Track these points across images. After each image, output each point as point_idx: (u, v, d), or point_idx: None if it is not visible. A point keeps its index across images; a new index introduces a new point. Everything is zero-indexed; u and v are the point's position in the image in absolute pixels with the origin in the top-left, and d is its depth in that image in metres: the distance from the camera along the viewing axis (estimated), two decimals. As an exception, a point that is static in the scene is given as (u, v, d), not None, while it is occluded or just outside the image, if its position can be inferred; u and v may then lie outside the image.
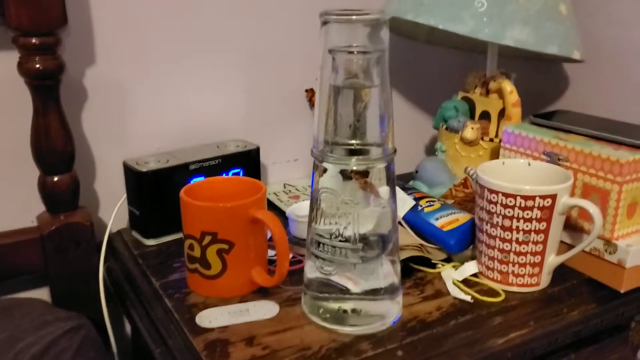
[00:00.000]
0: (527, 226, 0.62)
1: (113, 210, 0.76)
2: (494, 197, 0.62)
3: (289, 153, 0.96)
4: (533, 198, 0.60)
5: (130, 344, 0.85)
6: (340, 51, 0.53)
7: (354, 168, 0.54)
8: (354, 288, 0.57)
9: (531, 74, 1.04)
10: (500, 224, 0.63)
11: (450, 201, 0.80)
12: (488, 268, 0.65)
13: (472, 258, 0.69)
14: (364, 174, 0.55)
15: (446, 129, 0.90)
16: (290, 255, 0.65)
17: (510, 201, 0.61)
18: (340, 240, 0.55)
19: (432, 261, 0.69)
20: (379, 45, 0.53)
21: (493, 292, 0.64)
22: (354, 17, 0.51)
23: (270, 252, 0.67)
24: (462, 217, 0.70)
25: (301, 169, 0.97)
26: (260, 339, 0.56)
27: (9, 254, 0.72)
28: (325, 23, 0.52)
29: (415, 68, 1.04)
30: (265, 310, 0.60)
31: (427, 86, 1.05)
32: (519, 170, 0.68)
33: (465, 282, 0.66)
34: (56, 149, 0.71)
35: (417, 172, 0.89)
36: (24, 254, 0.73)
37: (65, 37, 0.71)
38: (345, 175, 0.55)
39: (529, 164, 0.69)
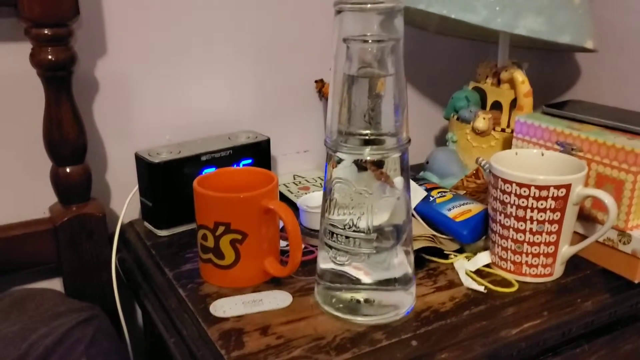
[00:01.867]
0: (541, 216, 0.61)
1: (125, 202, 0.77)
2: (507, 187, 0.62)
3: (298, 144, 0.95)
4: (547, 188, 0.60)
5: (142, 333, 0.85)
6: (354, 40, 0.52)
7: (368, 158, 0.54)
8: (365, 279, 0.57)
9: (543, 64, 1.04)
10: (513, 214, 0.62)
11: (461, 192, 0.79)
12: (501, 258, 0.65)
13: (485, 248, 0.69)
14: (379, 164, 0.54)
15: (457, 119, 0.90)
16: (302, 246, 0.65)
17: (524, 191, 0.61)
18: (354, 231, 0.55)
19: (445, 252, 0.69)
20: (393, 34, 0.52)
21: (506, 283, 0.64)
22: (369, 5, 0.51)
23: (282, 243, 0.67)
24: (474, 208, 0.70)
25: (311, 161, 0.97)
26: (274, 328, 0.56)
27: (22, 245, 0.73)
28: (339, 12, 0.52)
29: (426, 58, 1.03)
30: (278, 300, 0.60)
31: (438, 76, 1.05)
32: (532, 161, 0.68)
33: (478, 272, 0.66)
34: (68, 140, 0.71)
35: (427, 162, 0.89)
36: (36, 245, 0.73)
37: (76, 29, 0.71)
38: (360, 165, 0.55)
39: (542, 154, 0.68)
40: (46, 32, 0.66)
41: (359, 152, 0.54)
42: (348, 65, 0.53)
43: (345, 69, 0.53)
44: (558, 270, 0.65)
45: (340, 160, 0.55)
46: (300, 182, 0.91)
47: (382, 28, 0.52)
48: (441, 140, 1.07)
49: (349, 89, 0.53)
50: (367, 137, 0.54)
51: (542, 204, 0.61)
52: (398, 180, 0.55)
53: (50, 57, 0.67)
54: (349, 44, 0.52)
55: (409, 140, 0.55)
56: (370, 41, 0.52)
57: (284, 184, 0.89)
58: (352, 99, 0.53)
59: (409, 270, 0.58)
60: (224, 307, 0.59)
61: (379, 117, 0.54)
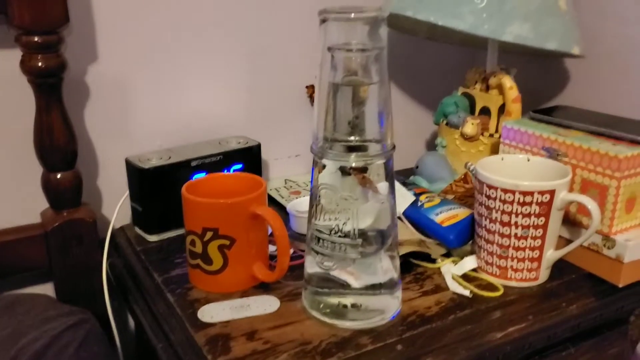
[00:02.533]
0: (525, 221, 0.62)
1: (116, 207, 0.77)
2: (492, 193, 0.63)
3: (290, 149, 0.96)
4: (531, 193, 0.61)
5: (133, 338, 0.86)
6: (339, 49, 0.53)
7: (353, 165, 0.55)
8: (354, 283, 0.58)
9: (531, 70, 1.04)
10: (499, 219, 0.63)
11: (450, 196, 0.80)
12: (487, 263, 0.66)
13: (472, 253, 0.69)
14: (362, 169, 0.55)
15: (446, 124, 0.90)
16: (291, 251, 0.66)
17: (509, 197, 0.61)
18: (339, 236, 0.56)
19: (432, 256, 0.69)
20: (377, 42, 0.53)
21: (492, 287, 0.65)
22: (353, 15, 0.51)
23: (271, 248, 0.68)
24: (461, 213, 0.71)
25: (302, 165, 0.98)
26: (261, 333, 0.57)
27: (13, 250, 0.73)
28: (324, 21, 0.53)
29: (416, 64, 1.04)
30: (266, 305, 0.61)
31: (428, 82, 1.06)
32: (518, 166, 0.69)
33: (465, 277, 0.67)
34: (59, 147, 0.71)
35: (417, 167, 0.89)
36: (28, 250, 0.74)
37: (67, 36, 0.72)
38: (344, 171, 0.55)
39: (528, 160, 0.69)
40: (36, 39, 0.66)
41: (344, 159, 0.55)
42: (333, 73, 0.54)
43: (330, 77, 0.54)
44: (543, 274, 0.65)
45: (325, 166, 0.56)
46: (291, 187, 0.91)
47: (366, 37, 0.53)
48: (431, 145, 1.08)
49: (334, 96, 0.54)
50: (351, 144, 0.54)
51: (526, 209, 0.61)
52: (382, 186, 0.56)
53: (40, 64, 0.67)
54: (334, 52, 0.53)
55: (394, 147, 0.56)
56: (354, 50, 0.53)
57: (275, 189, 0.90)
58: (337, 106, 0.54)
59: (395, 275, 0.59)
60: (211, 313, 0.60)
61: (364, 124, 0.54)
